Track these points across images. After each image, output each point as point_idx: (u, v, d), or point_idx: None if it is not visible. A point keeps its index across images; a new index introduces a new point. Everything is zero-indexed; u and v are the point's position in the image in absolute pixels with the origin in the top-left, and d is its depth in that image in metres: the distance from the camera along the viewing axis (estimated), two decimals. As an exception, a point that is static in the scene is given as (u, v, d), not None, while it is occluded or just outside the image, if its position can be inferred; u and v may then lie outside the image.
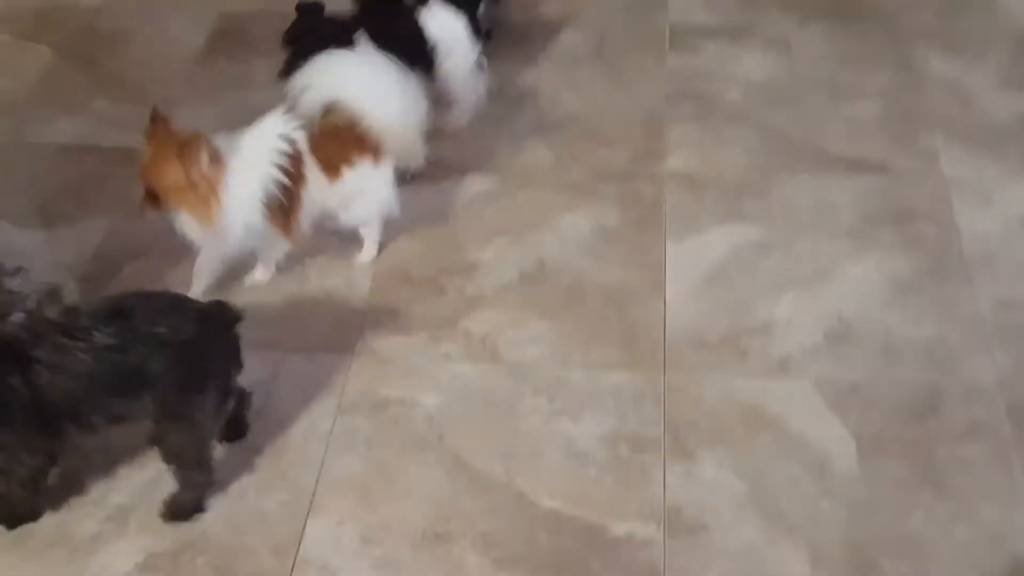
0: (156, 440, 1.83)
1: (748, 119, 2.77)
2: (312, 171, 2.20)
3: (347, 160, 2.23)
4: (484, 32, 2.73)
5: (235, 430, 2.00)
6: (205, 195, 2.08)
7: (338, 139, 2.22)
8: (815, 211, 2.51)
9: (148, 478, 1.95)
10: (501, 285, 2.36)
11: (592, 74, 2.93)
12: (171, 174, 2.05)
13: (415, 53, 2.51)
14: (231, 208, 2.11)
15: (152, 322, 1.74)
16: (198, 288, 2.27)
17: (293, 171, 2.17)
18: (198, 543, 1.87)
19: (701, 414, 2.09)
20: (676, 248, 2.43)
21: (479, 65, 2.67)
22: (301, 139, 2.19)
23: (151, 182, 2.08)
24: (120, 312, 1.75)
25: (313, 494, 1.95)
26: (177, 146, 2.04)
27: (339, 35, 2.43)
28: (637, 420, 2.08)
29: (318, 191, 2.22)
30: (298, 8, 2.52)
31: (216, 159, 2.08)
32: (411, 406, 2.11)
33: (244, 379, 1.95)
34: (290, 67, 2.40)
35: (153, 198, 2.09)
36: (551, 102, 2.84)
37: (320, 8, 2.52)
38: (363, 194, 2.29)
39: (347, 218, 2.33)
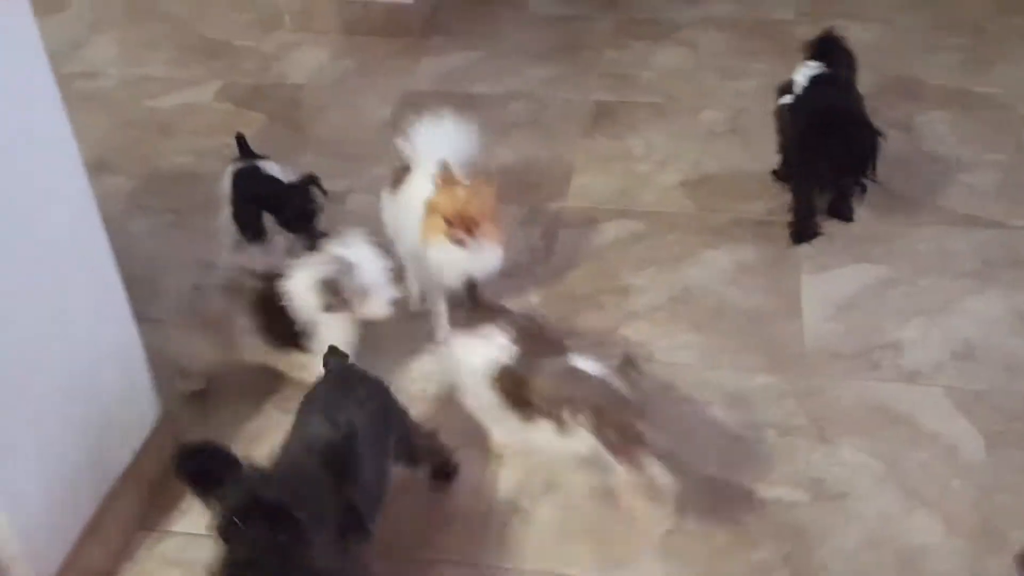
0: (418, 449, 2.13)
1: (874, 184, 3.07)
2: None
3: None
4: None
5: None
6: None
7: None
8: (937, 256, 2.79)
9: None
10: (652, 305, 2.68)
11: (729, 145, 3.31)
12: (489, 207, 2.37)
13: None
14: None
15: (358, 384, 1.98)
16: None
17: None
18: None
19: (838, 410, 2.35)
20: (809, 280, 2.72)
21: None
22: None
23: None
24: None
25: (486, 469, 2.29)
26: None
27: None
28: (781, 413, 2.35)
29: None
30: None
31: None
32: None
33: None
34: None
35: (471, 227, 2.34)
36: (693, 165, 3.21)
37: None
38: None
39: None
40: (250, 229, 2.79)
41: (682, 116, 3.45)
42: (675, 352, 2.53)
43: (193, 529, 2.16)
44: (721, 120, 3.43)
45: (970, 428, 2.27)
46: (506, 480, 2.22)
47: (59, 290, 1.90)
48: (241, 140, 2.90)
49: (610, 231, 2.95)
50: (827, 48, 3.00)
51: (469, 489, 2.21)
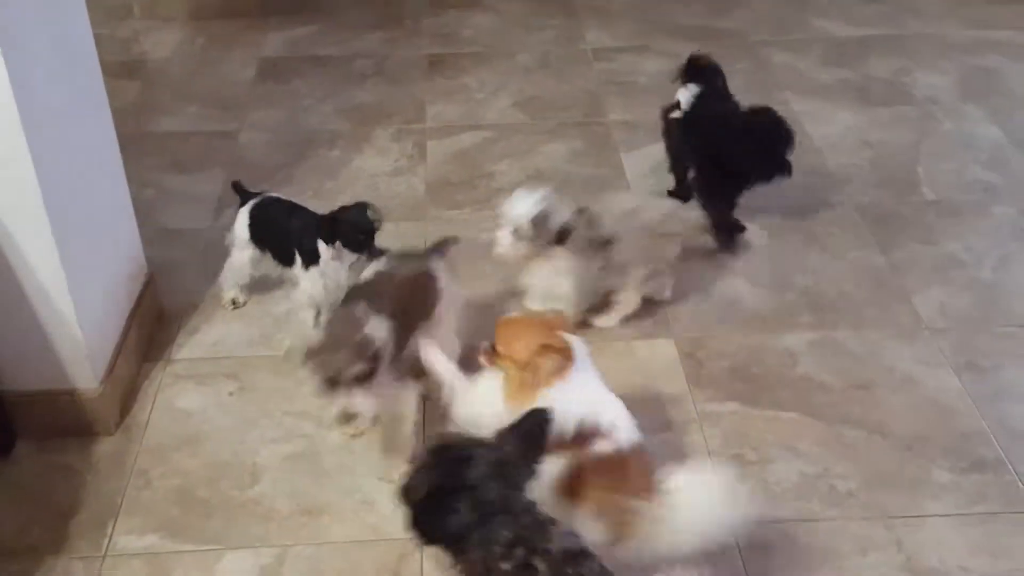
0: None
1: (658, 92, 3.90)
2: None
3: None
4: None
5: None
6: (529, 387, 2.04)
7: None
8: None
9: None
10: (514, 182, 3.40)
11: (543, 76, 4.12)
12: (520, 353, 2.06)
13: None
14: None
15: None
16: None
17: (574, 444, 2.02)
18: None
19: (663, 227, 3.15)
20: (627, 156, 3.56)
21: None
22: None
23: (502, 345, 2.10)
24: None
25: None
26: (545, 341, 2.05)
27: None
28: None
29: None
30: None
31: (561, 370, 2.04)
32: (473, 240, 3.07)
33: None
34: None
35: (495, 353, 2.11)
36: (519, 92, 3.99)
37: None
38: None
39: None
40: (310, 252, 2.65)
41: (501, 60, 4.24)
42: (538, 208, 3.27)
43: (191, 356, 2.67)
44: (532, 60, 4.25)
45: (755, 227, 3.15)
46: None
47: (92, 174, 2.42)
48: (238, 186, 2.85)
49: (467, 139, 3.67)
50: (695, 70, 3.23)
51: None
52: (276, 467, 2.37)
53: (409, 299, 2.36)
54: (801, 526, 2.24)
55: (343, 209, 2.65)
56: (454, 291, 2.52)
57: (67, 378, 2.34)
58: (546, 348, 2.03)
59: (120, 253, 2.61)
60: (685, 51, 4.22)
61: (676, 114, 3.21)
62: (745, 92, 3.90)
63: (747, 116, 3.08)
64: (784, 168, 3.00)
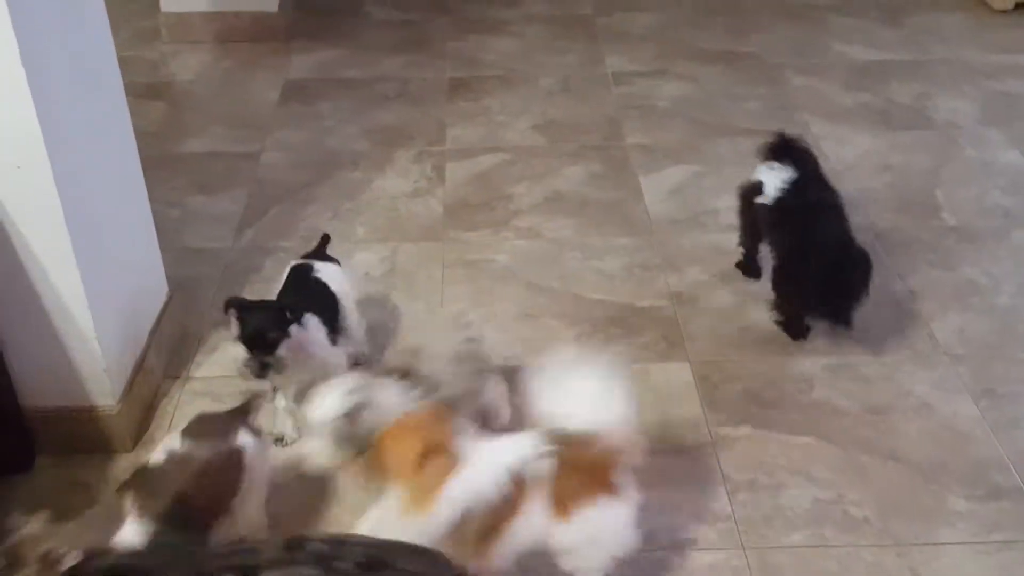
0: None
1: (677, 116, 3.99)
2: (534, 506, 1.93)
3: (581, 499, 1.95)
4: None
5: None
6: (427, 488, 1.90)
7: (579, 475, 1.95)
8: (734, 156, 3.69)
9: None
10: (532, 204, 3.44)
11: (565, 100, 4.14)
12: (405, 454, 1.93)
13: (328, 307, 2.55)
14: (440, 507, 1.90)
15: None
16: None
17: (511, 499, 1.92)
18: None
19: (681, 252, 3.18)
20: (645, 179, 3.57)
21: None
22: (539, 470, 1.92)
23: (383, 452, 1.96)
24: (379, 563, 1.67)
25: (441, 302, 2.95)
26: (424, 440, 1.93)
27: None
28: (641, 257, 3.15)
29: (534, 527, 1.96)
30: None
31: (452, 458, 1.92)
32: (490, 261, 3.14)
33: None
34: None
35: (378, 464, 1.96)
36: (540, 115, 4.02)
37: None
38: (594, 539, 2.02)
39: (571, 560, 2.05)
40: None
41: (523, 83, 4.27)
42: (557, 231, 3.29)
43: (209, 374, 2.70)
44: (554, 84, 4.27)
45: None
46: (448, 318, 2.90)
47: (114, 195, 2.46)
48: (325, 239, 2.74)
49: (486, 161, 3.70)
50: (787, 150, 2.93)
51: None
52: (293, 483, 2.39)
53: (205, 491, 1.97)
54: (814, 552, 2.23)
55: (267, 308, 2.37)
56: (263, 462, 2.17)
57: (86, 395, 2.38)
58: (427, 453, 1.89)
59: (141, 271, 2.65)
60: (704, 74, 4.36)
61: (762, 199, 2.87)
62: (765, 115, 3.99)
63: (840, 243, 2.74)
64: (843, 319, 2.76)
